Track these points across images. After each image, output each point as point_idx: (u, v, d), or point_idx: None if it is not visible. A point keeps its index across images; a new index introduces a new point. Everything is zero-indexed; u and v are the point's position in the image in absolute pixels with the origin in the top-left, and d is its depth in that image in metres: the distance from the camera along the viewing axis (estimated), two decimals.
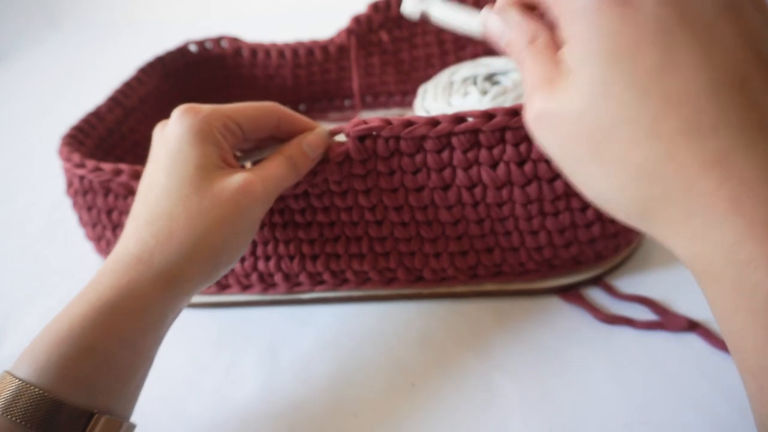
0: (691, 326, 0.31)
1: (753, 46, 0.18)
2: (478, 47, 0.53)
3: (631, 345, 0.31)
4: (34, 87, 0.77)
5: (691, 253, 0.18)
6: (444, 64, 0.53)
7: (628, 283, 0.35)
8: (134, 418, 0.32)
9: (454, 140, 0.30)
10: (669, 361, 0.30)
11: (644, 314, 0.33)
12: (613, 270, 0.35)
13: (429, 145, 0.30)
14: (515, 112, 0.29)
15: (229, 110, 0.29)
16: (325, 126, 0.32)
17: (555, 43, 0.21)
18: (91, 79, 0.51)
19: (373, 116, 0.30)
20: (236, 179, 0.27)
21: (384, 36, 0.52)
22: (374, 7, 0.51)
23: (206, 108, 0.29)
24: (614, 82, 0.18)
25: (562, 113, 0.19)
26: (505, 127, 0.29)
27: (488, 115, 0.29)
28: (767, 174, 0.16)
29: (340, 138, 0.31)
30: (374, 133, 0.30)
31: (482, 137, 0.30)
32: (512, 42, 0.22)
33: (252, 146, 0.32)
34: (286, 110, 0.31)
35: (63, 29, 0.94)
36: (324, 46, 0.53)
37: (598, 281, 0.35)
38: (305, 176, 0.31)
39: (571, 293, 0.34)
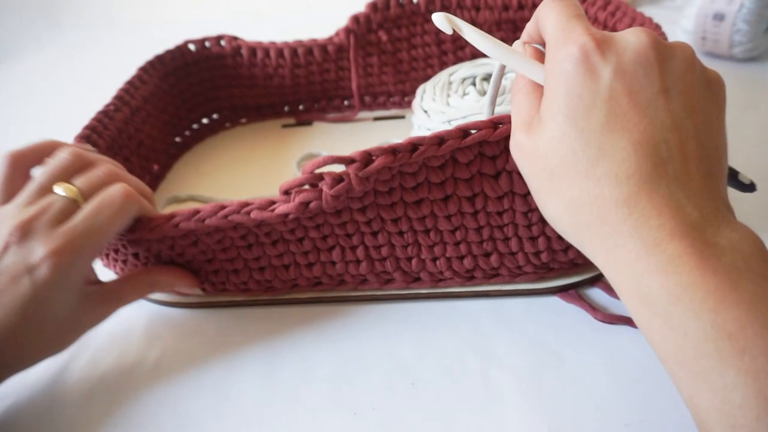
0: None
1: (675, 119, 0.24)
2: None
3: (630, 344, 0.32)
4: (36, 87, 0.77)
5: (606, 268, 0.24)
6: (443, 65, 0.53)
7: None
8: (134, 418, 0.32)
9: (458, 154, 0.29)
10: None
11: None
12: None
13: (432, 162, 0.30)
14: None
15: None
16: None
17: (538, 89, 0.27)
18: (93, 80, 0.51)
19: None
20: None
21: (383, 36, 0.53)
22: (373, 7, 0.51)
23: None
24: (569, 134, 0.24)
25: (533, 150, 0.25)
26: (509, 137, 0.29)
27: (494, 125, 0.29)
28: (659, 210, 0.22)
29: (337, 167, 0.30)
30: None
31: (486, 148, 0.29)
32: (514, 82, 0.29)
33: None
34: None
35: (64, 30, 0.93)
36: (323, 46, 0.53)
37: (597, 281, 0.35)
38: (297, 207, 0.30)
39: (570, 293, 0.35)
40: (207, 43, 0.53)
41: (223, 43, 0.54)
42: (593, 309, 0.33)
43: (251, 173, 0.51)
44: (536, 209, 0.31)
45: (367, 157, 0.29)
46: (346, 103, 0.57)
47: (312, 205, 0.30)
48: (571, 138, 0.23)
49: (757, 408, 0.19)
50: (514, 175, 0.30)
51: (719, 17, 0.56)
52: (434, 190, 0.31)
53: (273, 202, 0.31)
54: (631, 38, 0.24)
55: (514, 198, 0.31)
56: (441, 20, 0.29)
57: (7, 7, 0.93)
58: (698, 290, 0.20)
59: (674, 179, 0.23)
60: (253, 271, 0.35)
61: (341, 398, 0.31)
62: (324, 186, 0.30)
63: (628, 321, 0.33)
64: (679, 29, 0.60)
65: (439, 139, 0.29)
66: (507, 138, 0.29)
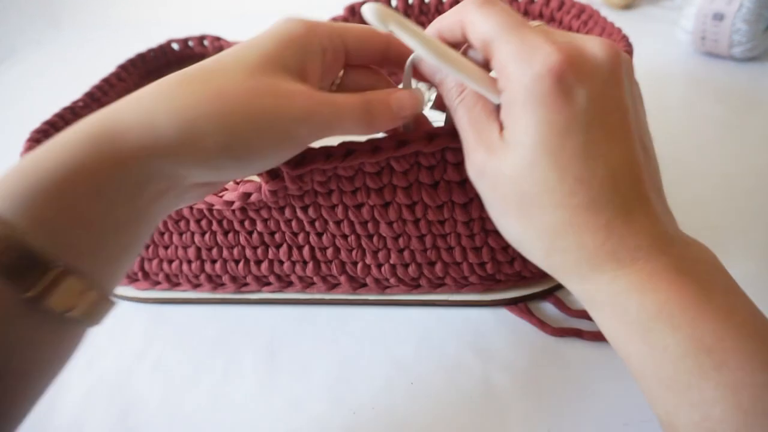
0: None
1: (640, 136, 0.23)
2: None
3: None
4: (35, 88, 0.78)
5: (580, 289, 0.23)
6: None
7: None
8: (133, 417, 0.32)
9: (394, 162, 0.29)
10: None
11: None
12: None
13: (368, 167, 0.29)
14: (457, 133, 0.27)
15: (337, 26, 0.25)
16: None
17: (483, 102, 0.24)
18: (92, 80, 0.52)
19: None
20: (294, 85, 0.23)
21: None
22: (350, 10, 0.51)
23: (312, 20, 0.25)
24: (540, 163, 0.22)
25: (499, 174, 0.23)
26: (446, 147, 0.28)
27: (429, 137, 0.28)
28: (635, 232, 0.22)
29: None
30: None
31: (422, 158, 0.29)
32: (445, 84, 0.25)
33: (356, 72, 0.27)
34: (396, 39, 0.25)
35: (64, 30, 0.94)
36: None
37: (547, 296, 0.34)
38: (240, 195, 0.31)
39: (519, 306, 0.34)
40: (190, 43, 0.54)
41: (206, 43, 0.54)
42: (542, 323, 0.32)
43: None
44: (477, 219, 0.30)
45: (299, 158, 0.29)
46: None
47: (253, 197, 0.31)
48: (543, 167, 0.22)
49: (736, 422, 0.19)
50: (453, 185, 0.29)
51: (719, 17, 0.54)
52: (373, 195, 0.30)
53: (225, 189, 0.32)
54: (601, 55, 0.22)
55: (454, 207, 0.30)
56: (371, 14, 0.22)
57: (7, 7, 0.95)
58: (675, 306, 0.20)
59: (644, 200, 0.22)
60: (206, 263, 0.36)
61: (340, 398, 0.31)
62: (261, 180, 0.30)
63: (577, 333, 0.32)
64: (679, 29, 0.58)
65: (374, 147, 0.28)
66: (443, 150, 0.28)
